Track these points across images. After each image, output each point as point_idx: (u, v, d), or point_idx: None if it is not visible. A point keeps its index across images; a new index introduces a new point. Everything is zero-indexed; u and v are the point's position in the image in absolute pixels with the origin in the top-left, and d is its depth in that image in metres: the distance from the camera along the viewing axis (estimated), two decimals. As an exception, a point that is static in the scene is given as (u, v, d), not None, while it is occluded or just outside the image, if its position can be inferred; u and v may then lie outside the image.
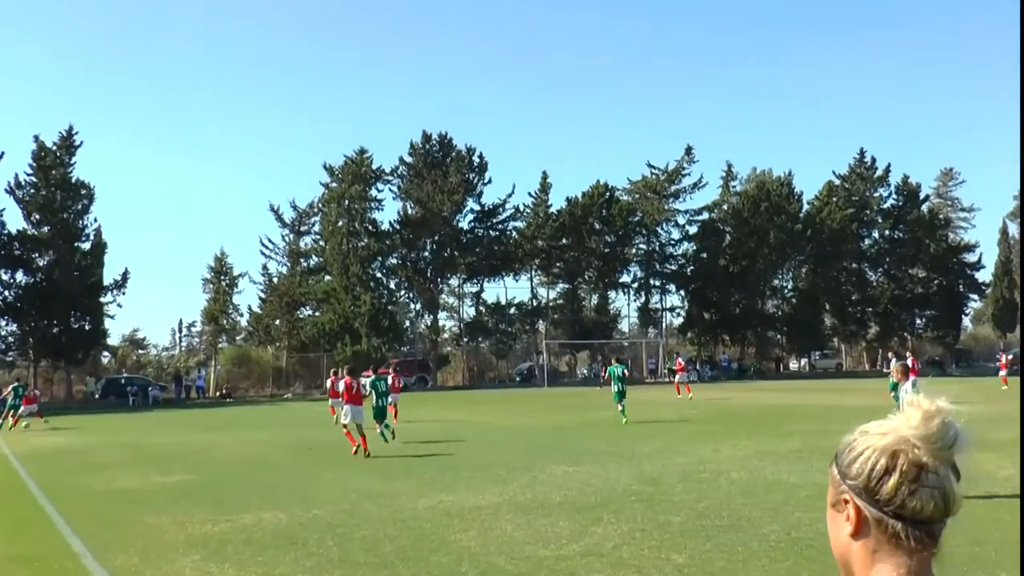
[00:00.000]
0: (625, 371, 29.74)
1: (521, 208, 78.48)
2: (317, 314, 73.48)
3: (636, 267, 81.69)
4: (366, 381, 25.76)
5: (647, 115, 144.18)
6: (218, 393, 64.32)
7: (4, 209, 63.35)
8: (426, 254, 75.95)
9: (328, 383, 27.11)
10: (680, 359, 49.08)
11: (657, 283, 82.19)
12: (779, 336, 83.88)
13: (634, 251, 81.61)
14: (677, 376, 45.24)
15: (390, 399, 28.14)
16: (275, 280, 74.79)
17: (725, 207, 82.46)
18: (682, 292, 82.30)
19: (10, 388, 38.49)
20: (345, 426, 21.81)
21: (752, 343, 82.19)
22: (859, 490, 1.56)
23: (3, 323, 63.67)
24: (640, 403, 40.16)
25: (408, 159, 75.53)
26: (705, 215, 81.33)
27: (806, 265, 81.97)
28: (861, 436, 1.61)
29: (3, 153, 62.15)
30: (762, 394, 42.96)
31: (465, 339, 78.89)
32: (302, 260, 76.38)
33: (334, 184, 73.18)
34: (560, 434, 25.20)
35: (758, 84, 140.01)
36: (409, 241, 74.32)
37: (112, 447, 25.95)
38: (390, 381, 27.19)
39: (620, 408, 28.35)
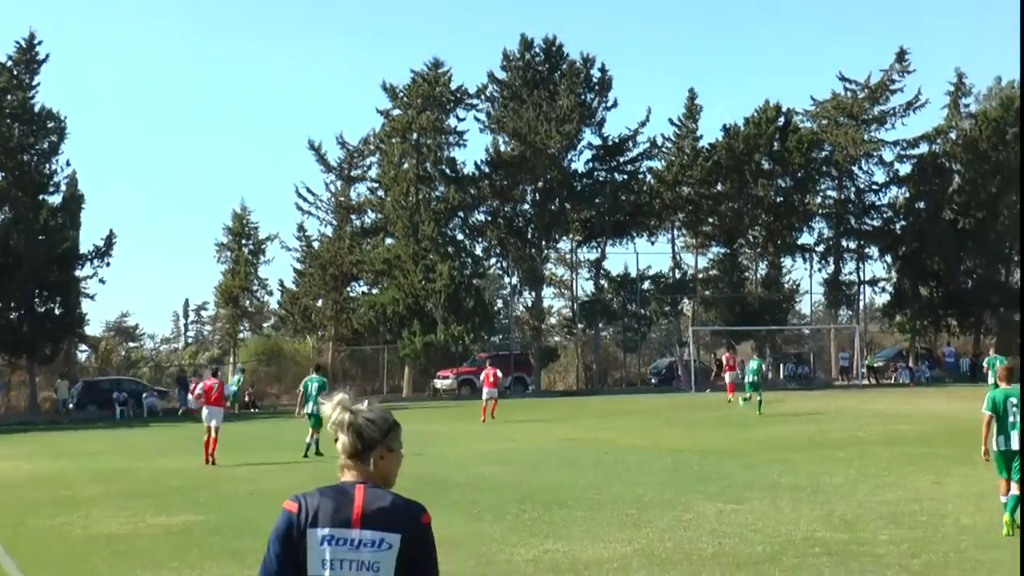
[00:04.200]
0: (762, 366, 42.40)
1: (659, 142, 77.89)
2: (375, 292, 74.19)
3: (822, 223, 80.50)
4: (311, 387, 30.09)
5: (838, 3, 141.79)
6: (239, 401, 65.59)
7: (-61, 151, 63.00)
8: (526, 207, 75.93)
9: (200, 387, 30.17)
10: (730, 354, 56.28)
11: (852, 246, 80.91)
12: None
13: (819, 200, 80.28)
14: (727, 375, 53.42)
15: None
16: (316, 245, 75.74)
17: (953, 135, 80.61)
18: (888, 258, 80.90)
19: None
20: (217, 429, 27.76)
21: (991, 330, 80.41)
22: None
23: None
24: (829, 414, 39.59)
25: (500, 75, 75.49)
26: (923, 148, 79.65)
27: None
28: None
29: None
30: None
31: (580, 326, 78.79)
32: (353, 217, 77.13)
33: (397, 111, 73.58)
34: (714, 458, 25.00)
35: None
36: (502, 190, 74.41)
37: (92, 476, 26.58)
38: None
39: (749, 396, 41.94)
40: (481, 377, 46.17)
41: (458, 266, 70.72)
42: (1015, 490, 14.65)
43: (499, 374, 46.33)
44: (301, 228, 76.08)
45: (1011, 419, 14.73)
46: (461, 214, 73.81)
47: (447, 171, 72.77)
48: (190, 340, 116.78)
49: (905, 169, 79.85)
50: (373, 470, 4.46)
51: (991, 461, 15.16)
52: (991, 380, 38.18)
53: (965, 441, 26.81)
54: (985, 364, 40.19)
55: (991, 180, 76.78)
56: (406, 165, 72.35)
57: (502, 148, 74.95)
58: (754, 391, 42.62)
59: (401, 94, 73.03)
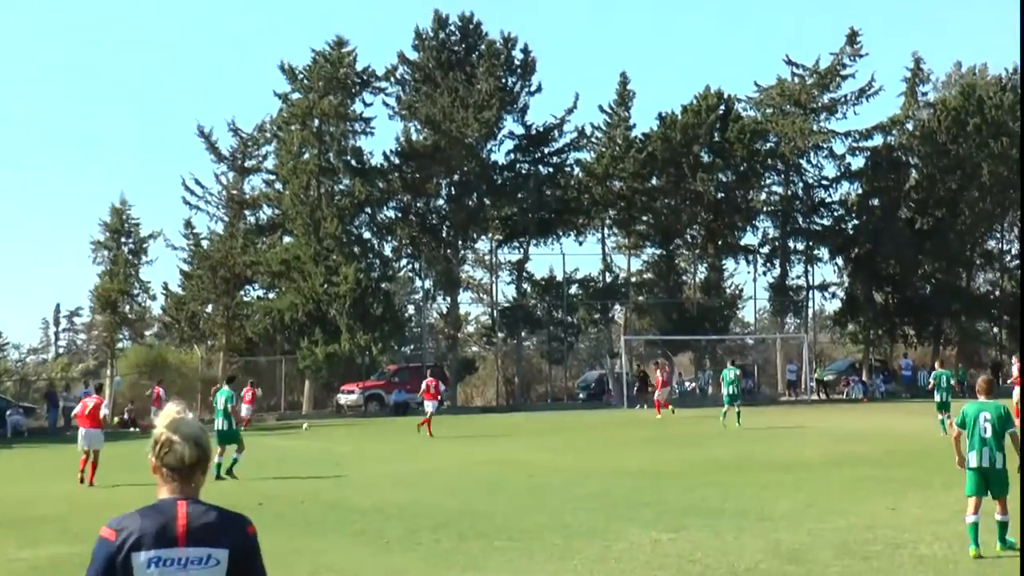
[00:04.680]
0: (739, 374, 46.09)
1: (588, 131, 78.18)
2: (271, 296, 73.69)
3: (767, 222, 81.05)
4: (218, 400, 30.37)
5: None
6: (117, 419, 64.89)
7: None
8: (440, 203, 75.85)
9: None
10: (661, 374, 56.85)
11: (800, 247, 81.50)
12: (996, 329, 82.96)
13: (764, 197, 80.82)
14: (657, 392, 55.27)
15: (245, 414, 33.23)
16: (205, 244, 75.07)
17: (910, 126, 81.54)
18: (839, 261, 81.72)
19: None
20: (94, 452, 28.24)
21: (952, 340, 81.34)
22: (151, 451, 4.81)
23: None
24: (775, 432, 39.87)
25: (412, 55, 75.40)
26: (878, 140, 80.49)
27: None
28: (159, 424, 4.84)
29: None
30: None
31: (501, 334, 78.78)
32: (247, 212, 76.60)
33: (297, 95, 73.15)
34: (649, 482, 25.08)
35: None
36: (414, 183, 74.24)
37: (-45, 501, 26.14)
38: (245, 395, 31.86)
39: (726, 411, 44.08)
40: (421, 388, 47.53)
41: (365, 268, 70.40)
42: (999, 513, 14.92)
43: (441, 385, 48.89)
44: (188, 225, 75.39)
45: (982, 435, 15.00)
46: (368, 210, 73.54)
47: (352, 162, 72.49)
48: (61, 351, 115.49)
49: (858, 163, 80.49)
50: (194, 484, 4.85)
51: (965, 470, 15.41)
52: (938, 397, 39.03)
53: (923, 462, 27.17)
54: (932, 379, 40.76)
55: (951, 176, 77.52)
56: (307, 155, 71.93)
57: (414, 137, 74.76)
58: (733, 403, 44.89)
59: (301, 76, 72.57)
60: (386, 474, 28.62)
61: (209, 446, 4.91)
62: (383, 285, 72.58)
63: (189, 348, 78.55)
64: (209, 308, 74.79)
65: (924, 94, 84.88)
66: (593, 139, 78.37)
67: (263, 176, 76.86)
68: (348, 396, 66.08)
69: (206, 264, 73.32)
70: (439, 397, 47.79)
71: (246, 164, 76.75)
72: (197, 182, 75.27)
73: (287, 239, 73.55)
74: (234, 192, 76.09)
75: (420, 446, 39.05)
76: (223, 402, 29.36)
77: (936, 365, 45.51)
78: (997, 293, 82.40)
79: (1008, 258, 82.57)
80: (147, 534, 4.58)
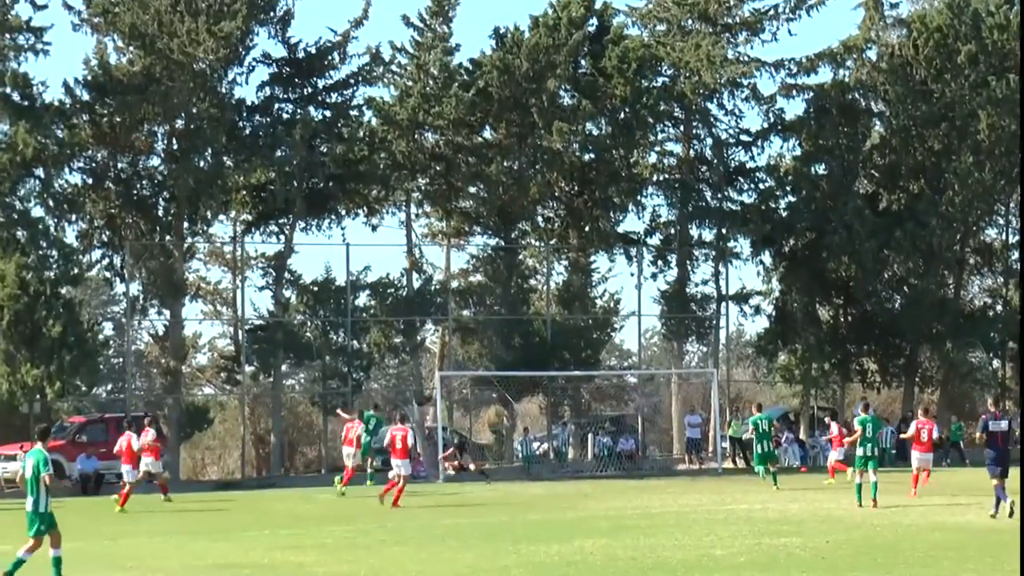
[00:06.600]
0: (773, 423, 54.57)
1: (386, 56, 78.35)
2: None
3: (658, 197, 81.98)
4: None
5: None
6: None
7: None
8: (155, 163, 75.46)
9: None
10: (408, 426, 54.23)
11: (708, 236, 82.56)
12: (996, 362, 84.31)
13: (655, 160, 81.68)
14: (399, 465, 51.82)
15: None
16: None
17: (872, 55, 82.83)
18: (766, 258, 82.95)
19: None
20: None
21: (933, 379, 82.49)
22: None
23: None
24: (659, 519, 40.29)
25: (110, -64, 74.89)
26: (824, 74, 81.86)
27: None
28: None
29: None
30: (947, 513, 43.27)
31: (249, 368, 78.51)
32: None
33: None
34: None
35: None
36: (113, 132, 73.66)
37: None
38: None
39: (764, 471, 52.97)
40: (341, 437, 50.62)
41: (34, 264, 69.67)
42: None
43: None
44: None
45: None
46: (40, 173, 72.77)
47: (15, 97, 71.77)
48: None
49: (795, 109, 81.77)
50: None
51: None
52: (861, 452, 40.81)
53: (890, 562, 27.66)
54: (856, 425, 42.43)
55: (932, 130, 78.36)
56: (-56, 86, 71.28)
57: (113, 59, 74.17)
58: (770, 461, 52.85)
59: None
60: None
61: None
62: (63, 291, 71.84)
63: None
64: None
65: (894, 6, 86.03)
66: (394, 68, 78.43)
67: None
68: (6, 465, 65.10)
69: None
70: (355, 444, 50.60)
71: None
72: None
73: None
74: None
75: (125, 542, 38.77)
76: (32, 468, 26.95)
77: (861, 409, 46.80)
78: (999, 308, 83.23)
79: (1015, 255, 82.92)
80: None
